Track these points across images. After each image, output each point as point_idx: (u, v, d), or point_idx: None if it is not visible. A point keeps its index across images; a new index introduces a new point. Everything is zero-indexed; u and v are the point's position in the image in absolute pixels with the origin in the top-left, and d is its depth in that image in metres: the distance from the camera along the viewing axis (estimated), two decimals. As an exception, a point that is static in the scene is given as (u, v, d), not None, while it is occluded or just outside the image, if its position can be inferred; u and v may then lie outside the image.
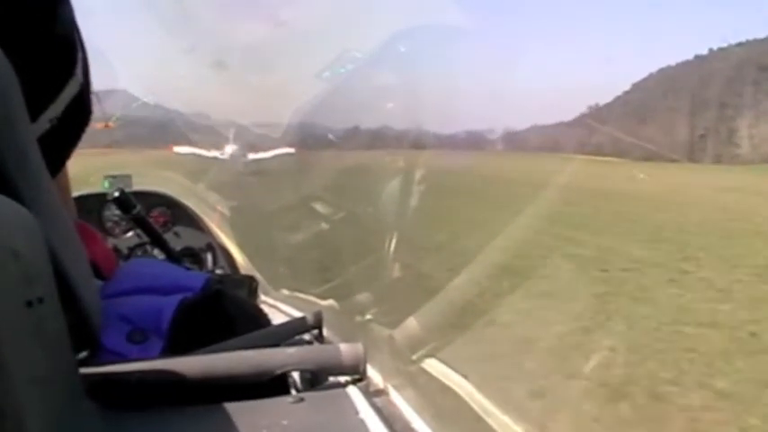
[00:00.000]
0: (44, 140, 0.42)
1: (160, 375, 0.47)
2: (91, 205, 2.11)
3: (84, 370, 0.40)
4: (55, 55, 0.44)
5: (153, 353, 0.48)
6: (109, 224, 2.22)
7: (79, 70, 0.47)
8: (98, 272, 0.54)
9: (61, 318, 0.33)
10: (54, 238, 0.34)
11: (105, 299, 0.48)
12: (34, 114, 0.42)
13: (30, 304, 0.30)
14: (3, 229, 0.29)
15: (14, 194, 0.32)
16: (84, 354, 0.40)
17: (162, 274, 0.54)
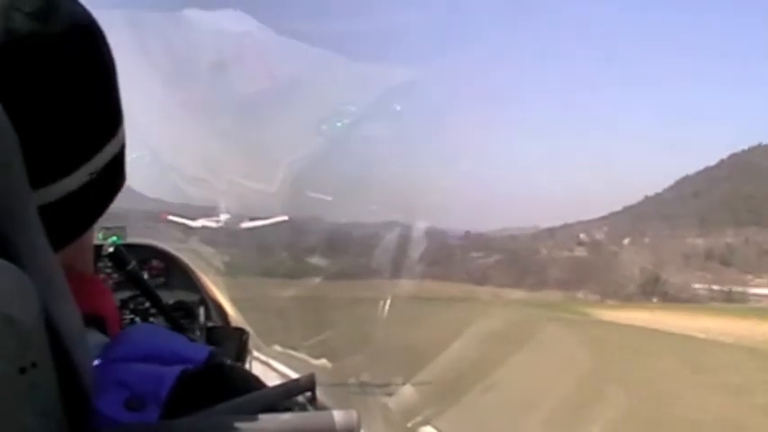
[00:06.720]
0: (81, 193, 0.45)
1: None
2: None
3: None
4: (107, 112, 0.48)
5: (149, 421, 0.46)
6: (101, 276, 2.20)
7: (122, 133, 0.50)
8: (105, 328, 0.53)
9: (54, 383, 0.33)
10: (49, 300, 0.33)
11: (105, 362, 0.47)
12: (76, 164, 0.44)
13: (23, 371, 0.29)
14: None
15: (10, 255, 0.32)
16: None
17: (164, 344, 0.52)
